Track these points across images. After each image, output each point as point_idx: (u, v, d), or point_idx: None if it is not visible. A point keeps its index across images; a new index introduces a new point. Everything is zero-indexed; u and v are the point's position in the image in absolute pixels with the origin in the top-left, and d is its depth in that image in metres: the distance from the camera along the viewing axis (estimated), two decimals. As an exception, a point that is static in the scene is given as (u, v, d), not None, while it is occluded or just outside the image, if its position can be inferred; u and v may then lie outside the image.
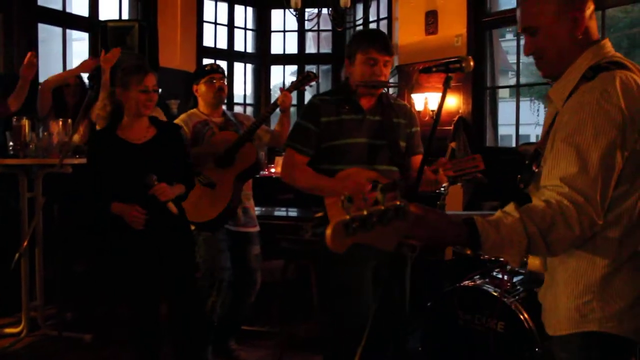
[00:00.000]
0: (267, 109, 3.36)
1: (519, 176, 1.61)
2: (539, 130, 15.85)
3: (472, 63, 1.87)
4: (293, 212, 4.33)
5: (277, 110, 3.33)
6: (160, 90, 2.87)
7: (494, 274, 3.09)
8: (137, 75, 2.76)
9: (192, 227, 3.21)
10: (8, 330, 3.86)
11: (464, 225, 1.32)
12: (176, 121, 3.29)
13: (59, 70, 4.82)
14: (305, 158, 2.55)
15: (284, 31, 7.44)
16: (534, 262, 1.63)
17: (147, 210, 2.71)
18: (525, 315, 2.71)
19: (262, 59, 7.46)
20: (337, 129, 2.49)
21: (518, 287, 2.99)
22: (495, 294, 2.80)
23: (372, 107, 2.55)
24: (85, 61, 4.19)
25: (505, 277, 2.95)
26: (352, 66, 2.52)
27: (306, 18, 6.93)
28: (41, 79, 4.58)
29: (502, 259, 3.12)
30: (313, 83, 3.43)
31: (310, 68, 7.92)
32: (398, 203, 1.17)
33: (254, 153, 3.27)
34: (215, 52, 6.90)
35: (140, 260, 2.81)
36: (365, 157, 2.45)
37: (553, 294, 1.53)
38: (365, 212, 1.12)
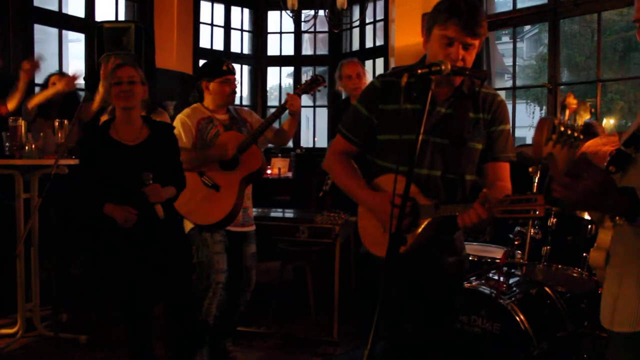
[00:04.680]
0: (275, 112, 3.33)
1: (608, 159, 1.54)
2: (533, 132, 15.88)
3: (449, 66, 1.78)
4: (290, 214, 4.33)
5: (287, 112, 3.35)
6: (140, 82, 2.82)
7: (490, 275, 3.10)
8: (113, 69, 2.81)
9: (191, 227, 3.21)
10: (4, 331, 3.84)
11: (624, 195, 1.38)
12: (180, 115, 3.29)
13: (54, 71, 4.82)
14: (351, 147, 2.18)
15: (281, 33, 7.44)
16: (596, 256, 1.62)
17: (137, 211, 2.71)
18: (522, 317, 2.72)
19: (259, 61, 7.46)
20: (395, 120, 2.03)
21: (514, 289, 3.00)
22: (492, 295, 2.80)
23: (447, 98, 2.05)
24: (67, 78, 4.22)
25: (501, 279, 2.95)
26: (427, 43, 2.02)
27: (303, 19, 6.95)
28: (37, 80, 4.59)
29: (498, 260, 3.13)
30: (321, 87, 3.44)
31: (307, 70, 7.93)
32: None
33: (260, 157, 3.26)
34: (211, 54, 6.89)
35: (132, 261, 2.81)
36: (414, 157, 1.75)
37: (626, 290, 1.54)
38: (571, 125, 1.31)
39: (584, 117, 1.33)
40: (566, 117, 1.33)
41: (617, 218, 1.54)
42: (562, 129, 1.31)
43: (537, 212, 1.70)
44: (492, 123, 2.08)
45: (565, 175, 1.37)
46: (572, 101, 1.33)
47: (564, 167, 1.35)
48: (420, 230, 1.95)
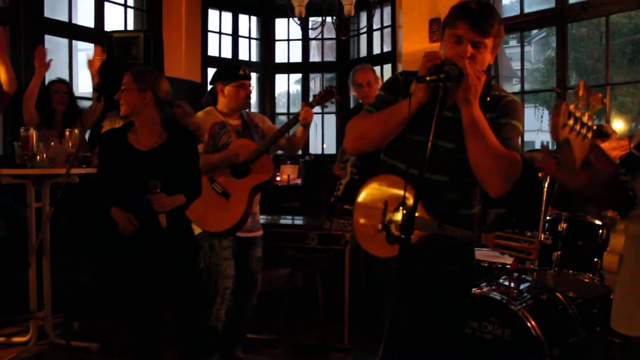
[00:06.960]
0: (288, 122, 3.36)
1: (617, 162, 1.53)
2: (543, 137, 15.84)
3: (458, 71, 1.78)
4: (299, 220, 4.33)
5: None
6: (136, 89, 2.77)
7: (501, 281, 3.09)
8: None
9: (199, 232, 3.22)
10: (16, 339, 3.86)
11: (622, 189, 1.42)
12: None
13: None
14: None
15: (288, 40, 7.47)
16: (610, 259, 1.62)
17: (140, 217, 2.72)
18: (533, 323, 2.70)
19: (267, 68, 7.49)
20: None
21: (525, 294, 2.99)
22: (502, 301, 2.79)
23: (456, 102, 1.97)
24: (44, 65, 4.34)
25: (512, 284, 2.94)
26: (442, 46, 2.01)
27: (310, 27, 6.95)
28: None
29: (508, 266, 3.11)
30: (334, 99, 3.46)
31: (315, 77, 7.95)
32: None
33: (271, 167, 3.28)
34: (219, 61, 6.93)
35: (135, 267, 2.83)
36: (420, 160, 1.74)
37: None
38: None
39: (596, 107, 1.35)
40: (580, 104, 1.33)
41: (609, 212, 1.53)
42: (578, 114, 1.31)
43: (532, 255, 1.78)
44: (496, 118, 1.97)
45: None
46: (582, 92, 1.33)
47: (579, 156, 1.34)
48: (414, 238, 1.89)
